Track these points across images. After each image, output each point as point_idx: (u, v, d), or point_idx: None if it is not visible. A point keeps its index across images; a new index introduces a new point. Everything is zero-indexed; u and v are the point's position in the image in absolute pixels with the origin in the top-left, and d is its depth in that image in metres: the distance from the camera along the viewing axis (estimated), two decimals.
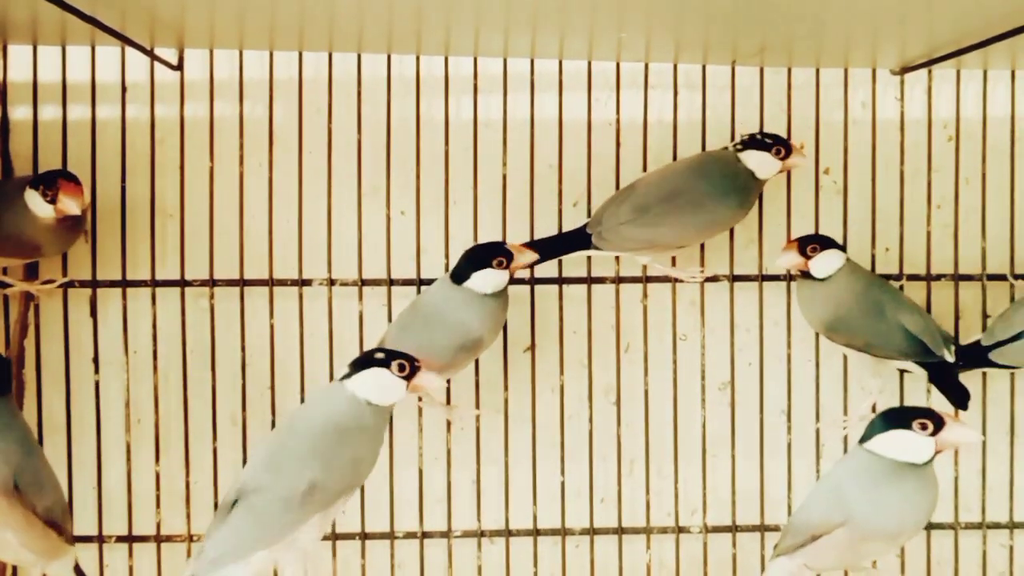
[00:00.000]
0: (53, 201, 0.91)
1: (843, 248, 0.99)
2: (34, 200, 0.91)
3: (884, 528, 0.85)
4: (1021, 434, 1.08)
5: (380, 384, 0.84)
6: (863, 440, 0.86)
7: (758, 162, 0.99)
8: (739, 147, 1.00)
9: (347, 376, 0.84)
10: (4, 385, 0.83)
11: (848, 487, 0.86)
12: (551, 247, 1.01)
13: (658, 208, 0.98)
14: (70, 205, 0.91)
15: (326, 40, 0.97)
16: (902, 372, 1.02)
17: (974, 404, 1.05)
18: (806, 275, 0.99)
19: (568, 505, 1.06)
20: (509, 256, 0.95)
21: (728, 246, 1.05)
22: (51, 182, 0.91)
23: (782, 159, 0.99)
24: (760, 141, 0.99)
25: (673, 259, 1.05)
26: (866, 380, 1.06)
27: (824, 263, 0.98)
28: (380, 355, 0.85)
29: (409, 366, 0.85)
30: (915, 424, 0.84)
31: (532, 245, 1.01)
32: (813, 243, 0.98)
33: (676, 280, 1.05)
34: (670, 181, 1.00)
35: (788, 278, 1.06)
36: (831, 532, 0.87)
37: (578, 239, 1.01)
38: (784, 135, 1.04)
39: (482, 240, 1.02)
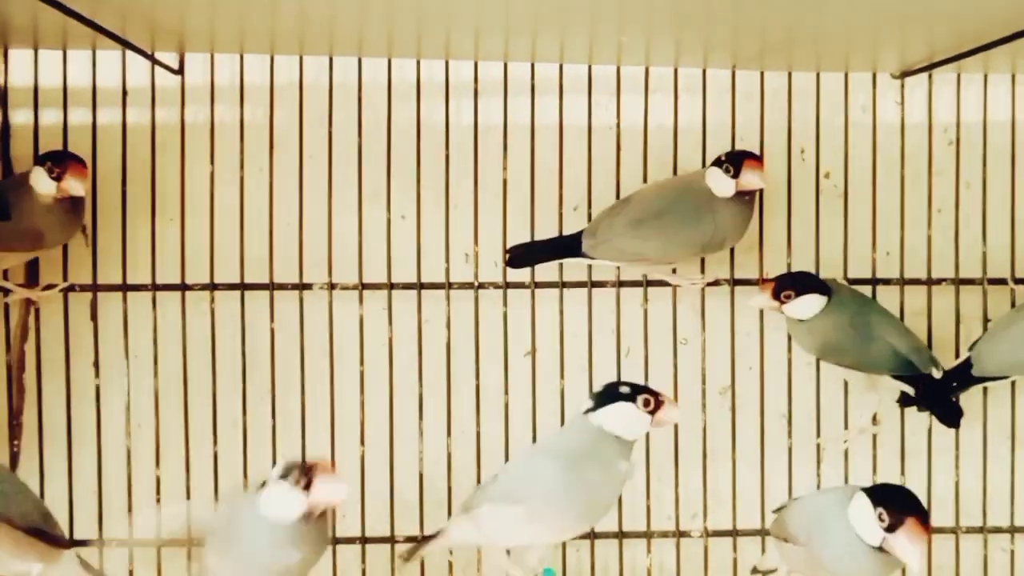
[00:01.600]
0: (58, 179, 0.91)
1: (823, 288, 0.96)
2: (38, 177, 0.92)
3: (834, 571, 0.83)
4: (1022, 438, 1.08)
5: (626, 418, 0.85)
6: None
7: (714, 180, 0.96)
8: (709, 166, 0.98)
9: (592, 409, 0.86)
10: None
11: (822, 517, 0.84)
12: (543, 251, 1.01)
13: (650, 223, 0.98)
14: (74, 186, 0.92)
15: (327, 44, 0.97)
16: (902, 394, 1.02)
17: (975, 406, 1.06)
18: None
19: None
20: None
21: (728, 250, 1.05)
22: (59, 159, 0.92)
23: (732, 177, 0.95)
24: (718, 159, 0.96)
25: (673, 268, 1.05)
26: (864, 394, 1.05)
27: (801, 307, 0.96)
28: (625, 389, 0.86)
29: (654, 400, 0.85)
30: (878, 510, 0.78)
31: (525, 247, 1.01)
32: (787, 289, 0.96)
33: (677, 286, 1.05)
34: (662, 198, 0.99)
35: None
36: (796, 544, 0.87)
37: (570, 246, 1.01)
38: (784, 139, 1.04)
39: (483, 241, 1.03)
